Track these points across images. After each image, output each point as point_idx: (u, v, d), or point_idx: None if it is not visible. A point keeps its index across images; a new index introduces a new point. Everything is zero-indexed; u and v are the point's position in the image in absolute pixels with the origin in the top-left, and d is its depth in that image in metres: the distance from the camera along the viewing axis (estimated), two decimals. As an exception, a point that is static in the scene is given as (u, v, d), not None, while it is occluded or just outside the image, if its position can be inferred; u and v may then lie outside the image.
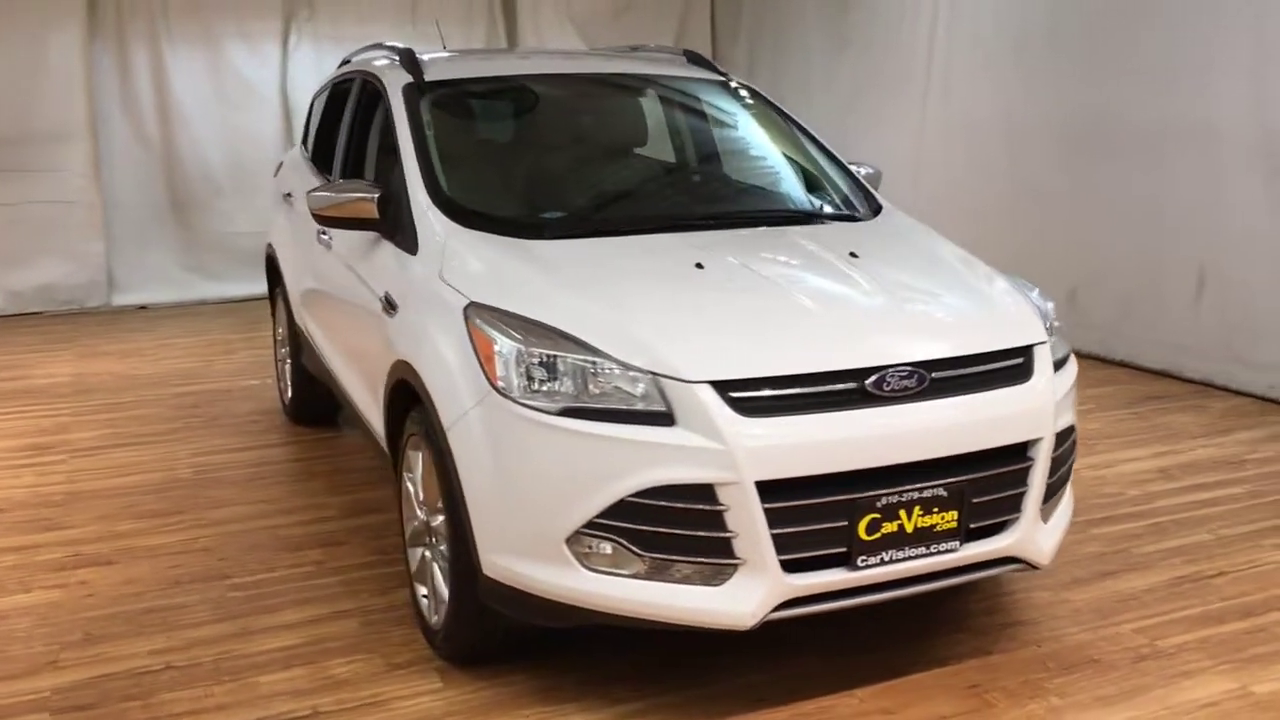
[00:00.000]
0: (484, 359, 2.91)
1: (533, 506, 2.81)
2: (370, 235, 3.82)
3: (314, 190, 3.79)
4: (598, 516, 2.72)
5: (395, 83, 4.11)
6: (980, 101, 7.44)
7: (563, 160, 4.15)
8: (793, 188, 4.16)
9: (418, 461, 3.37)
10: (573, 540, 2.77)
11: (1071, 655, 3.29)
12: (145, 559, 4.08)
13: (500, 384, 2.85)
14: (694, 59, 4.68)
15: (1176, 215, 6.21)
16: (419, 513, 3.39)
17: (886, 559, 2.82)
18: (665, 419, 2.72)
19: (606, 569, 2.77)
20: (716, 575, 2.73)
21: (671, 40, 9.98)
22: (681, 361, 2.75)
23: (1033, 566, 3.10)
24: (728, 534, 2.69)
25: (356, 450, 5.25)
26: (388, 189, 3.68)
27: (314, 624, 3.55)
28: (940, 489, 2.84)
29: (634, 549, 2.73)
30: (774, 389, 2.76)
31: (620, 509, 2.71)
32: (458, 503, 2.96)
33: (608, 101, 4.45)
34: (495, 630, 3.13)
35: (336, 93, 5.12)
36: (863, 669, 3.20)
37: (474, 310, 3.02)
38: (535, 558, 2.82)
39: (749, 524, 2.68)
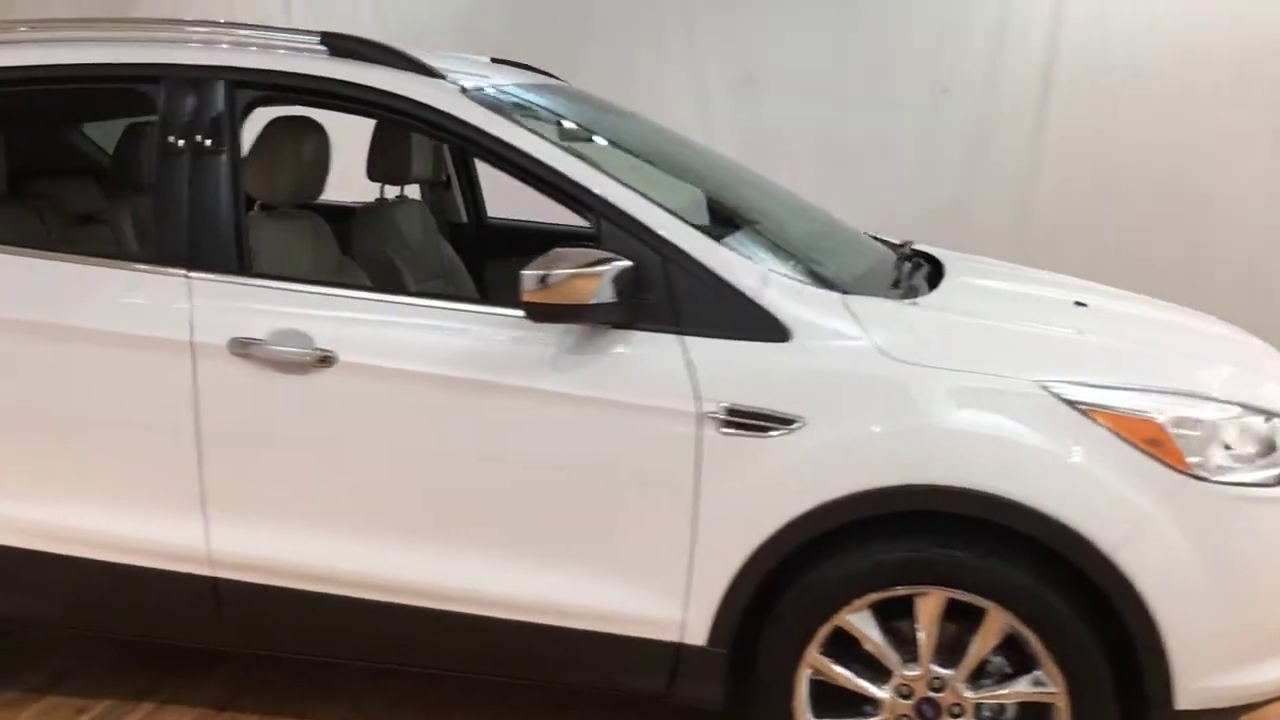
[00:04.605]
0: (1148, 445, 2.36)
1: (1258, 600, 2.46)
2: (566, 332, 2.54)
3: (529, 269, 2.42)
4: None
5: (434, 92, 2.73)
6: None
7: (731, 199, 3.25)
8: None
9: (869, 624, 2.50)
10: None
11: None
12: None
13: (1196, 469, 2.36)
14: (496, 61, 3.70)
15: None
16: (896, 699, 2.52)
17: None
18: None
19: None
20: None
21: None
22: None
23: None
24: None
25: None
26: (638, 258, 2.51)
27: None
28: None
29: None
30: None
31: None
32: (1139, 636, 2.38)
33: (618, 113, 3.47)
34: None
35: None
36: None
37: (1075, 390, 2.41)
38: (1257, 658, 2.46)
39: None
